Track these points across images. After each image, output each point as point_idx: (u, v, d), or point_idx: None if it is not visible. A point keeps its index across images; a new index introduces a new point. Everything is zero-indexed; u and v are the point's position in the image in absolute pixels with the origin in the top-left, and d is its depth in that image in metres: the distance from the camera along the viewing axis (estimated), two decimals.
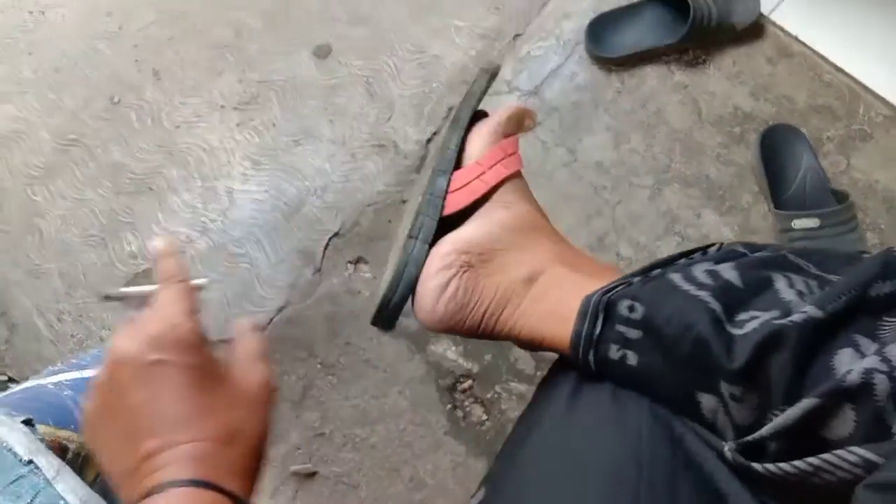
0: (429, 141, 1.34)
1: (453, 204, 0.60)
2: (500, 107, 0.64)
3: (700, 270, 0.53)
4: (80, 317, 1.27)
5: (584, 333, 0.53)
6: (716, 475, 0.49)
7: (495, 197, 0.62)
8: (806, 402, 0.42)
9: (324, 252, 1.29)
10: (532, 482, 0.54)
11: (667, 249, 1.24)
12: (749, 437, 0.46)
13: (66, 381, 0.72)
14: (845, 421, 0.42)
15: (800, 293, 0.50)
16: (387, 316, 0.58)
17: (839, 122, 1.28)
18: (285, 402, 1.21)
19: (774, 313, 0.47)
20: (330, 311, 1.25)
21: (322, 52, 1.41)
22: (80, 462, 0.61)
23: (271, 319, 1.25)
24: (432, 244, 0.59)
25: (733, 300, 0.50)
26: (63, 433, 0.61)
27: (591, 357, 0.53)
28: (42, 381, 0.71)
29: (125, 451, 0.46)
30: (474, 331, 0.59)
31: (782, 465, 0.43)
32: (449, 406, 1.21)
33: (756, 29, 1.34)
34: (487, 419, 1.20)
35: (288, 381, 1.22)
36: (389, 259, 0.63)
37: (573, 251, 0.64)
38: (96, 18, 1.47)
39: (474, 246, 0.59)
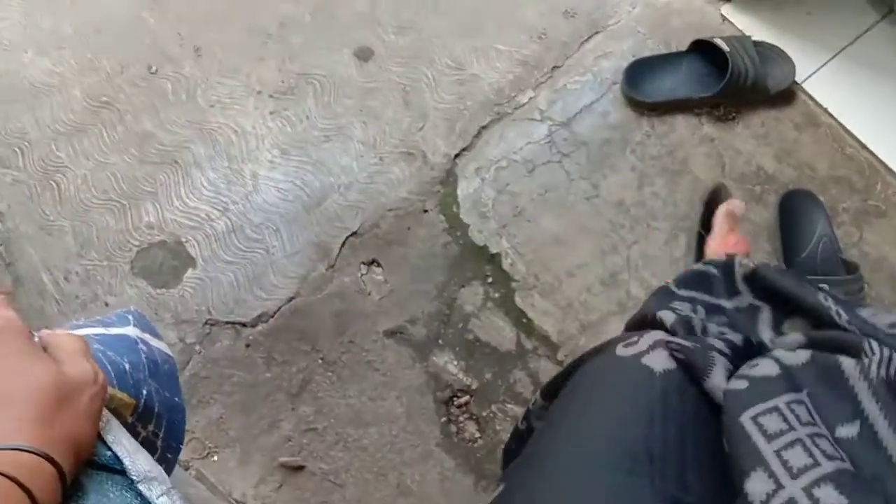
0: (457, 156, 1.36)
1: None
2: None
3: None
4: (88, 279, 1.26)
5: None
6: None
7: None
8: None
9: (340, 249, 1.29)
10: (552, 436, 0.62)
11: None
12: None
13: (95, 335, 0.71)
14: None
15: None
16: None
17: (856, 195, 1.32)
18: (282, 393, 1.21)
19: None
20: (338, 308, 1.26)
21: (364, 55, 1.43)
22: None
23: (279, 308, 1.25)
24: None
25: None
26: None
27: None
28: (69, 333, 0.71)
29: None
30: None
31: None
32: (444, 419, 1.21)
33: (788, 94, 1.38)
34: (480, 437, 1.21)
35: (288, 372, 1.22)
36: None
37: None
38: None
39: None
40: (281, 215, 1.31)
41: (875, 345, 0.58)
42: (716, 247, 1.13)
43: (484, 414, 1.22)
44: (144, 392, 0.68)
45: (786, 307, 0.75)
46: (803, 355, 0.62)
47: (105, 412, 0.55)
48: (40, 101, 1.37)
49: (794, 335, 0.68)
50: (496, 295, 1.26)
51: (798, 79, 1.38)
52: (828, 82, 1.39)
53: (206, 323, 1.24)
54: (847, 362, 0.58)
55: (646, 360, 0.65)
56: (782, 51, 1.39)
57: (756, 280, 0.80)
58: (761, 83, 1.35)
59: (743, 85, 1.34)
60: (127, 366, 0.67)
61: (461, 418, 1.21)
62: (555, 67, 1.44)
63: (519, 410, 1.21)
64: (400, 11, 1.46)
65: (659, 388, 0.61)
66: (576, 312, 1.26)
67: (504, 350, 1.24)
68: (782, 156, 1.35)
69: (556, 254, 1.29)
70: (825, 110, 1.38)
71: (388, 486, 1.17)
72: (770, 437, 0.53)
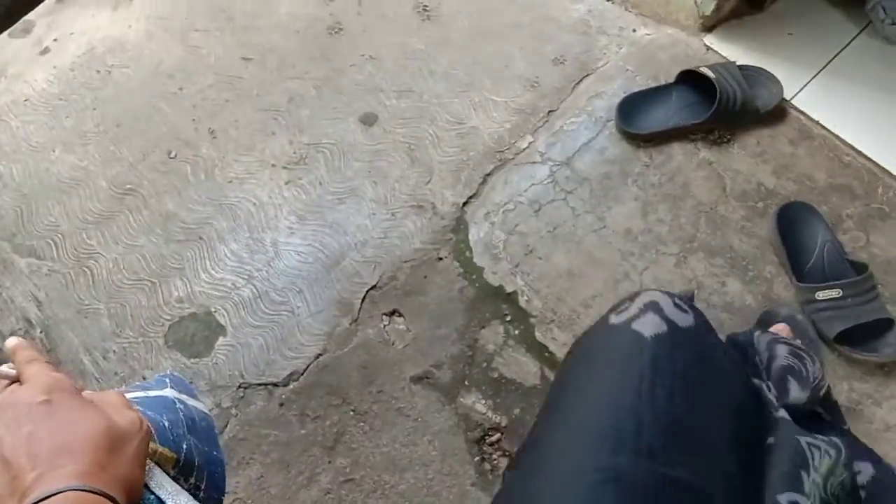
0: (465, 204, 1.42)
1: None
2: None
3: None
4: (125, 356, 1.32)
5: None
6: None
7: None
8: None
9: (361, 303, 1.34)
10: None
11: None
12: None
13: (135, 398, 0.76)
14: None
15: None
16: None
17: (858, 200, 1.34)
18: (318, 447, 1.24)
19: None
20: (364, 360, 1.30)
21: (369, 120, 1.51)
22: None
23: (308, 366, 1.29)
24: None
25: None
26: None
27: None
28: None
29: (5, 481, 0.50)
30: None
31: None
32: (477, 458, 1.23)
33: (779, 112, 1.43)
34: None
35: (321, 427, 1.25)
36: None
37: None
38: (159, 80, 1.58)
39: None
40: (303, 277, 1.37)
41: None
42: None
43: (516, 449, 1.23)
44: (185, 447, 0.72)
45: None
46: None
47: (147, 461, 0.59)
48: (69, 195, 1.46)
49: None
50: (516, 332, 1.30)
51: (787, 96, 1.43)
52: (817, 96, 1.44)
53: (239, 387, 1.28)
54: None
55: (636, 325, 0.67)
56: (768, 72, 1.44)
57: None
58: (751, 104, 1.40)
59: (733, 108, 1.39)
60: (166, 423, 0.71)
61: (494, 455, 1.23)
62: (550, 111, 1.50)
63: None
64: (398, 77, 1.55)
65: (649, 355, 0.63)
66: None
67: (529, 385, 1.26)
68: (781, 171, 1.39)
69: (571, 286, 1.33)
70: (817, 123, 1.42)
71: None
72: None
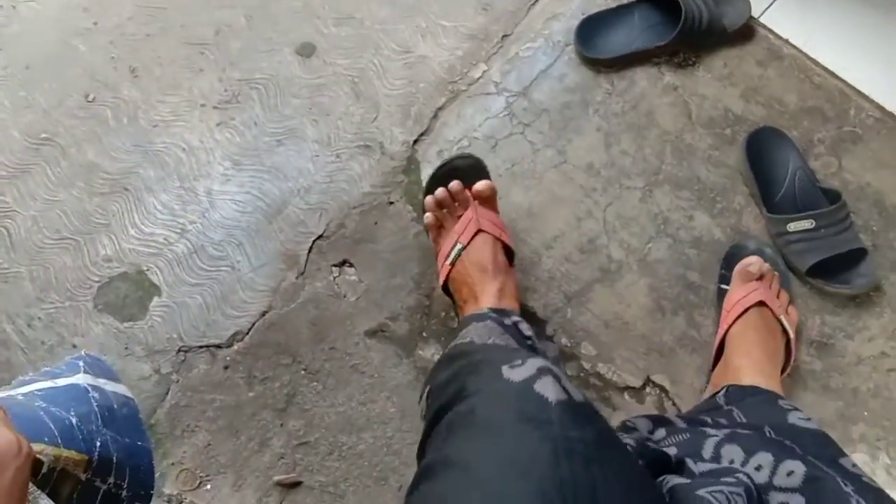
0: (415, 142, 1.31)
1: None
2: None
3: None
4: (52, 322, 1.21)
5: None
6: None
7: None
8: None
9: (307, 255, 1.25)
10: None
11: (658, 252, 1.22)
12: None
13: (38, 391, 0.67)
14: None
15: None
16: None
17: (830, 123, 1.27)
18: (268, 410, 1.16)
19: None
20: (314, 316, 1.21)
21: (306, 51, 1.38)
22: (55, 476, 0.57)
23: (253, 324, 1.20)
24: None
25: None
26: (37, 446, 0.56)
27: None
28: (11, 393, 0.66)
29: None
30: None
31: None
32: None
33: (747, 31, 1.33)
34: None
35: (271, 389, 1.17)
36: None
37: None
38: (71, 13, 1.42)
39: None
40: (242, 229, 1.26)
41: None
42: (730, 303, 1.12)
43: None
44: (98, 443, 0.63)
45: None
46: None
47: (31, 488, 0.50)
48: None
49: None
50: None
51: (754, 14, 1.34)
52: (786, 13, 1.35)
53: (179, 350, 1.19)
54: None
55: (538, 387, 0.62)
56: None
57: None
58: (717, 23, 1.30)
59: (698, 28, 1.29)
60: (74, 420, 0.62)
61: None
62: (504, 36, 1.39)
63: None
64: (337, 2, 1.41)
65: (557, 422, 0.58)
66: (558, 284, 1.21)
67: None
68: (749, 94, 1.31)
69: (531, 226, 1.25)
70: (787, 42, 1.33)
71: (390, 489, 1.13)
72: None
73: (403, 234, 1.25)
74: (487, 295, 1.04)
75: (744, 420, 0.88)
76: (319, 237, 1.25)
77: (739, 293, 1.10)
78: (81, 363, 0.72)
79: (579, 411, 0.61)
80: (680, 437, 0.85)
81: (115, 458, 0.64)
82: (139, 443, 0.69)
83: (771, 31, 1.34)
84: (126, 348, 1.19)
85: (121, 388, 0.73)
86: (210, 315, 1.21)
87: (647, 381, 1.16)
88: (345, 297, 1.22)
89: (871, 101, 1.27)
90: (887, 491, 0.73)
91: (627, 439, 0.82)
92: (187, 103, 1.34)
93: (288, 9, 1.41)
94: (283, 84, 1.35)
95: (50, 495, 0.57)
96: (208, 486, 1.14)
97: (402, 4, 1.40)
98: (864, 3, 1.33)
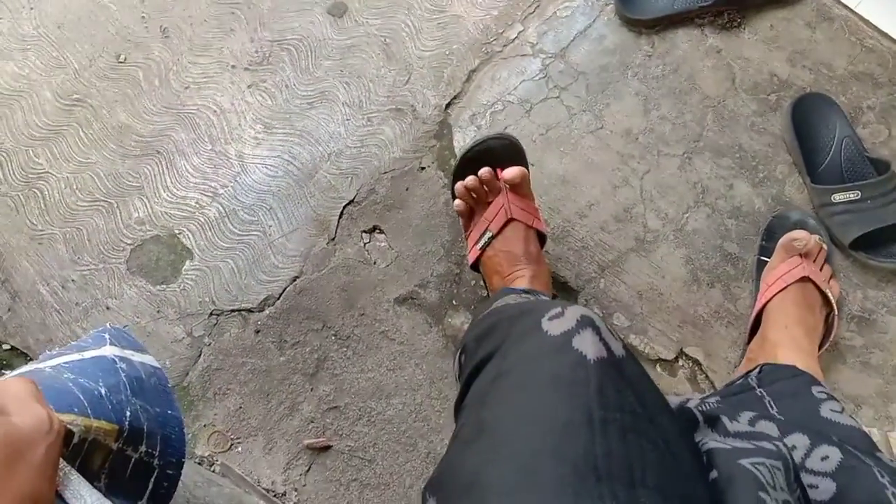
0: (448, 105, 1.29)
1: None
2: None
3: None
4: (86, 284, 1.22)
5: None
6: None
7: None
8: None
9: (338, 220, 1.24)
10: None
11: (696, 222, 1.19)
12: None
13: (65, 363, 0.67)
14: None
15: None
16: None
17: (881, 90, 1.22)
18: (298, 375, 1.17)
19: None
20: (345, 282, 1.21)
21: (337, 11, 1.35)
22: (86, 447, 0.57)
23: (284, 289, 1.20)
24: None
25: None
26: (67, 417, 0.56)
27: None
28: (39, 366, 0.66)
29: None
30: None
31: None
32: None
33: None
34: None
35: (301, 353, 1.18)
36: None
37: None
38: None
39: None
40: (273, 193, 1.25)
41: None
42: (772, 277, 1.08)
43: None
44: (128, 413, 0.63)
45: None
46: None
47: (63, 466, 0.50)
48: (11, 108, 1.31)
49: None
50: None
51: None
52: None
53: (211, 314, 1.20)
54: None
55: (576, 342, 0.59)
56: None
57: None
58: None
59: None
60: (103, 390, 0.62)
61: None
62: None
63: None
64: None
65: (595, 385, 0.56)
66: (591, 254, 1.19)
67: None
68: (796, 58, 1.26)
69: (565, 195, 1.22)
70: (838, 1, 1.27)
71: (418, 455, 1.14)
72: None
73: (434, 200, 1.23)
74: (519, 282, 1.02)
75: (775, 411, 0.86)
76: (350, 202, 1.24)
77: (783, 268, 1.06)
78: (107, 335, 0.72)
79: (620, 369, 0.59)
80: (715, 404, 0.84)
81: (145, 427, 0.64)
82: (169, 412, 0.69)
83: None
84: (158, 311, 1.20)
85: (148, 359, 0.73)
86: (242, 279, 1.21)
87: (681, 354, 1.14)
88: (375, 263, 1.22)
89: None
90: None
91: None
92: (218, 64, 1.33)
93: None
94: (314, 45, 1.33)
95: (81, 466, 0.57)
96: (239, 449, 1.15)
97: None
98: None
